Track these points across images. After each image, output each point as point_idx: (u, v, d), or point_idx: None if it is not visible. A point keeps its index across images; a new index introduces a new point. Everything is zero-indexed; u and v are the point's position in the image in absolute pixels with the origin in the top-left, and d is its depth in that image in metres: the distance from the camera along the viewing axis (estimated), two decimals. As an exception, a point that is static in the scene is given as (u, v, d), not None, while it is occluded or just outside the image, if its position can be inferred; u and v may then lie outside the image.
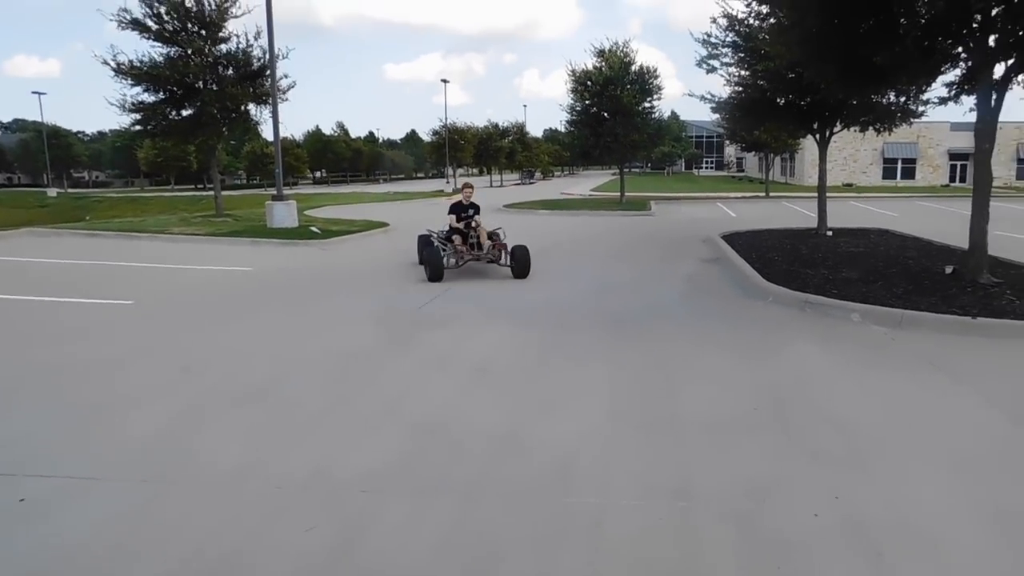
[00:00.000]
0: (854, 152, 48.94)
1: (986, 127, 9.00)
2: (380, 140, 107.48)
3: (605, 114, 26.13)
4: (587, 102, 26.32)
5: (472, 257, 10.87)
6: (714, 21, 14.87)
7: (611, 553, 3.21)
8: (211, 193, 28.07)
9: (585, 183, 57.73)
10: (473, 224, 11.12)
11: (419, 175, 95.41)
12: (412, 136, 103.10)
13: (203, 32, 19.90)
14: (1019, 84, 9.07)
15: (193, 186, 71.13)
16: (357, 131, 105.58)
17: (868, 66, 8.83)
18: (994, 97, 8.91)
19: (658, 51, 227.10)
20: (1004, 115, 9.04)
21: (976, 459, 4.20)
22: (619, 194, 30.39)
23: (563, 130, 29.34)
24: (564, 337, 7.21)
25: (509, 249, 10.86)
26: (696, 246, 14.99)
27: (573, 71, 26.15)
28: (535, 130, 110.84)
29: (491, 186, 54.38)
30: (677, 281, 10.64)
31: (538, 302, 8.93)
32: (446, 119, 51.41)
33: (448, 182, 47.94)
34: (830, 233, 16.06)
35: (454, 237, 11.01)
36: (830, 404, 5.17)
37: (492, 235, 11.19)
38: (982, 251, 9.26)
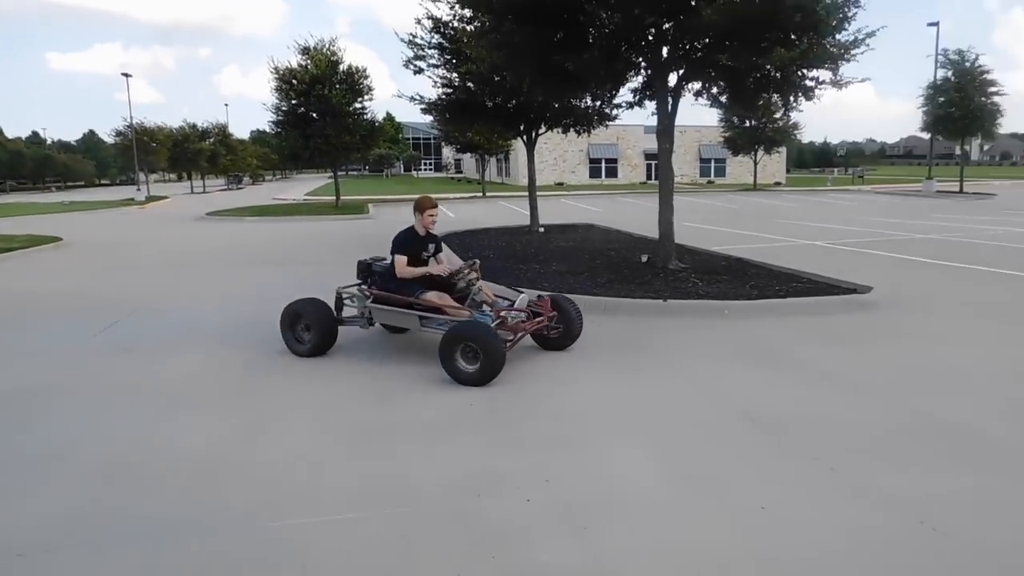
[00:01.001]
0: (563, 153, 53.36)
1: (665, 129, 10.01)
2: (49, 141, 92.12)
3: (314, 114, 24.93)
4: (294, 102, 24.88)
5: (523, 332, 6.07)
6: (419, 22, 14.86)
7: (324, 573, 2.97)
8: None
9: (300, 187, 55.30)
10: (467, 271, 6.35)
11: (104, 182, 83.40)
12: (91, 137, 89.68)
13: None
14: (690, 91, 10.25)
15: None
16: (16, 131, 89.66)
17: (562, 71, 9.29)
18: (670, 102, 9.94)
19: (369, 50, 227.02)
20: (688, 120, 10.19)
21: (668, 430, 4.53)
22: (335, 198, 29.42)
23: (270, 131, 27.39)
24: (272, 354, 6.43)
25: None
26: (417, 248, 14.78)
27: (276, 69, 24.52)
28: (241, 131, 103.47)
29: (193, 192, 49.51)
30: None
31: (243, 318, 7.91)
32: (131, 118, 45.42)
33: (139, 189, 42.19)
34: (542, 230, 17.02)
35: (428, 296, 6.07)
36: (541, 393, 5.32)
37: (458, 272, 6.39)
38: (670, 240, 10.32)
